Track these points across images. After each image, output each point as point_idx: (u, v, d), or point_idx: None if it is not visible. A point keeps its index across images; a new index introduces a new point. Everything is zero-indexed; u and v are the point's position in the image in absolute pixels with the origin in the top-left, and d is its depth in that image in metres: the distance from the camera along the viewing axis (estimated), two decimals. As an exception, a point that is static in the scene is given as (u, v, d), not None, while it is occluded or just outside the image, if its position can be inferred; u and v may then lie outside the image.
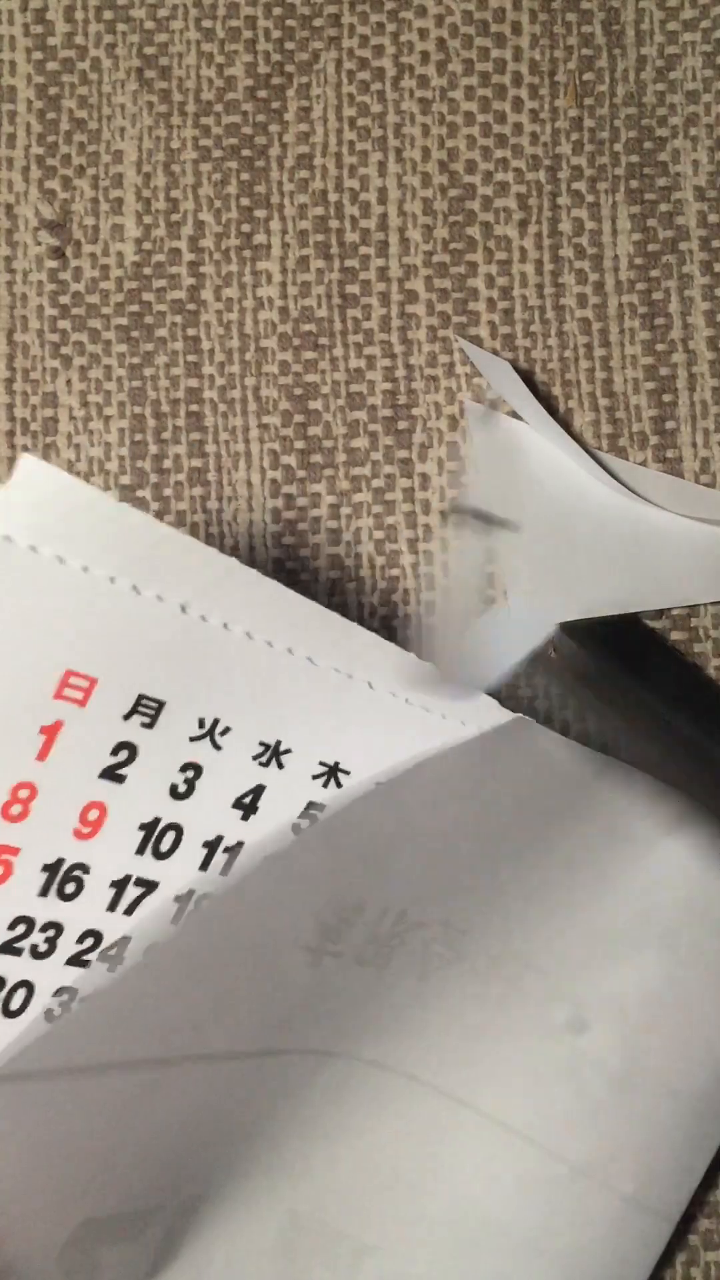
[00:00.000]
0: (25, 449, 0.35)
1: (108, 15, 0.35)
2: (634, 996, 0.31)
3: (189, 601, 0.28)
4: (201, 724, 0.29)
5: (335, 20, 0.35)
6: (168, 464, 0.35)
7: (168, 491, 0.35)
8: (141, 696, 0.28)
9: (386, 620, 0.34)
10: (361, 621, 0.34)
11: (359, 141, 0.35)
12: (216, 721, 0.29)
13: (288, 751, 0.30)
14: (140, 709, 0.29)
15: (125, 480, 0.35)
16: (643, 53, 0.35)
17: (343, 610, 0.34)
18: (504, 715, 0.30)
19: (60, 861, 0.29)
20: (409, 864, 0.30)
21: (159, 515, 0.34)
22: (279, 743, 0.30)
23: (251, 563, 0.34)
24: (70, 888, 0.29)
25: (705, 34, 0.35)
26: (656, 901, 0.32)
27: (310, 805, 0.30)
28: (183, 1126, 0.29)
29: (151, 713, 0.29)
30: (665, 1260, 0.33)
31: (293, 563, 0.34)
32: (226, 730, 0.29)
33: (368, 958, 0.30)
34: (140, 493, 0.35)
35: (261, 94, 0.35)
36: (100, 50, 0.35)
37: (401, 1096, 0.31)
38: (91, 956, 0.29)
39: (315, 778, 0.30)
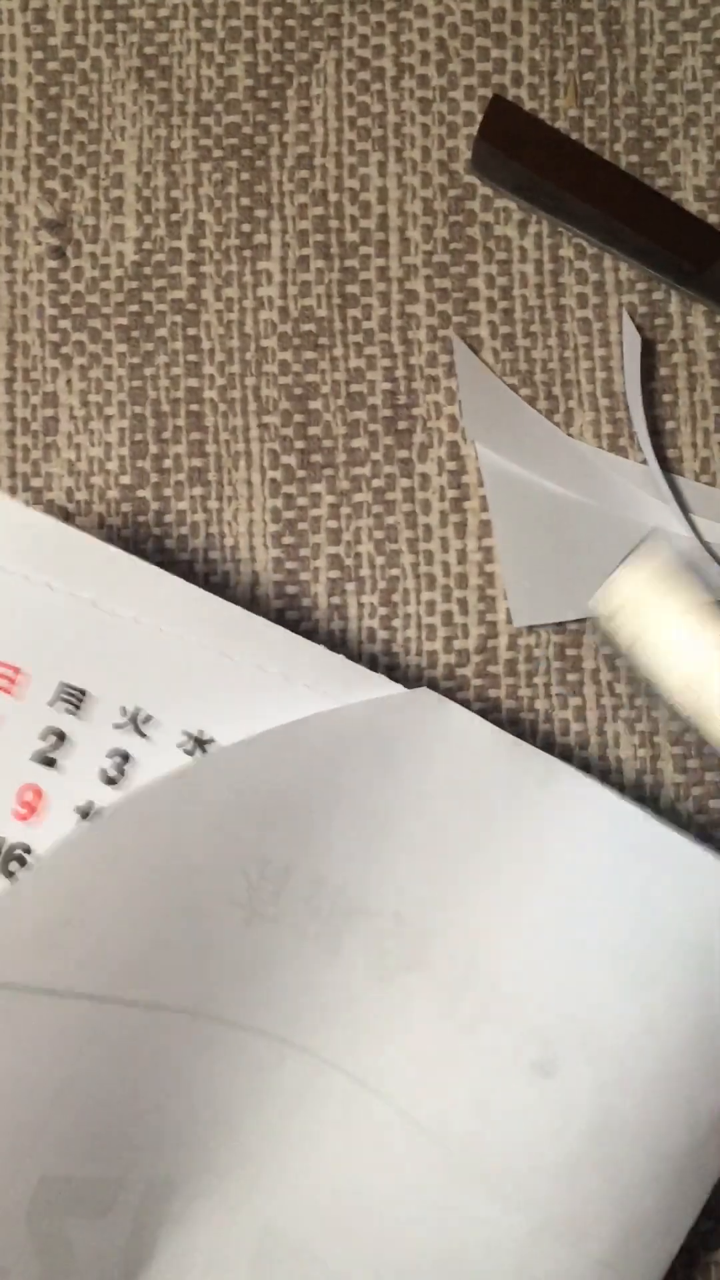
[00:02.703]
0: (26, 449, 0.35)
1: (108, 15, 0.36)
2: (608, 1041, 0.29)
3: (99, 597, 0.30)
4: (124, 712, 0.31)
5: (335, 20, 0.35)
6: (168, 464, 0.35)
7: (168, 491, 0.35)
8: (64, 685, 0.31)
9: (386, 620, 0.34)
10: (361, 621, 0.34)
11: (359, 141, 0.35)
12: (139, 710, 0.31)
13: (211, 741, 0.31)
14: (64, 697, 0.31)
15: (125, 480, 0.35)
16: (643, 53, 0.35)
17: (342, 610, 0.34)
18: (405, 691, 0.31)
19: (1, 841, 0.30)
20: (329, 830, 0.30)
21: (159, 515, 0.34)
22: (202, 733, 0.31)
23: (251, 562, 0.34)
24: (14, 867, 0.30)
25: (705, 34, 0.36)
26: (630, 933, 0.30)
27: None
28: (131, 1090, 0.30)
29: (75, 700, 0.31)
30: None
31: (293, 563, 0.34)
32: (149, 719, 0.31)
33: (309, 932, 0.30)
34: (140, 493, 0.35)
35: (262, 94, 0.35)
36: (100, 50, 0.35)
37: (376, 1120, 0.30)
38: None
39: None
